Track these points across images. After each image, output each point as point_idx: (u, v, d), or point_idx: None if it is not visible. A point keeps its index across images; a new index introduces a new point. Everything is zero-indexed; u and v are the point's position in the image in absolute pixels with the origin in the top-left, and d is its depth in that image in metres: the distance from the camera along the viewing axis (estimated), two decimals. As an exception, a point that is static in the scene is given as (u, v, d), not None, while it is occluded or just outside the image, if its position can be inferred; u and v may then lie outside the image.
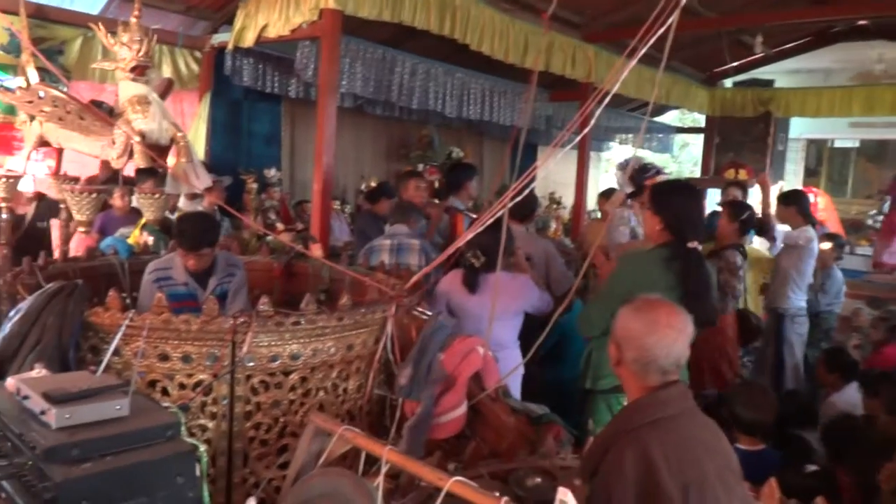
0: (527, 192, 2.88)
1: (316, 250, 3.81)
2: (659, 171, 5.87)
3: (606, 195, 5.97)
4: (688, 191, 3.08)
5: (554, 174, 9.01)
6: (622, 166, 6.33)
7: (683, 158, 14.10)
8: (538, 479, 2.35)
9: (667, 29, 2.50)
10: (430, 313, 2.75)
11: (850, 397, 4.22)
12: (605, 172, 14.99)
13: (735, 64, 8.70)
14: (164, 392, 2.29)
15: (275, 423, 2.42)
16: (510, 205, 2.70)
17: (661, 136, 10.32)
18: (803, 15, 7.04)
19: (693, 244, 2.89)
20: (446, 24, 5.27)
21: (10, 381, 1.62)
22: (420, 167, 7.24)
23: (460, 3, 5.33)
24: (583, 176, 7.31)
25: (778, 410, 3.72)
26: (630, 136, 10.01)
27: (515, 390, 3.23)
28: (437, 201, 6.23)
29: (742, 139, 9.06)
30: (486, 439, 2.66)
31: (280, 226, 5.64)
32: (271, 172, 6.27)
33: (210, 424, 2.32)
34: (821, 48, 9.00)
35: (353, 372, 2.66)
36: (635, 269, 2.91)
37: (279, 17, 5.05)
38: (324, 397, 2.55)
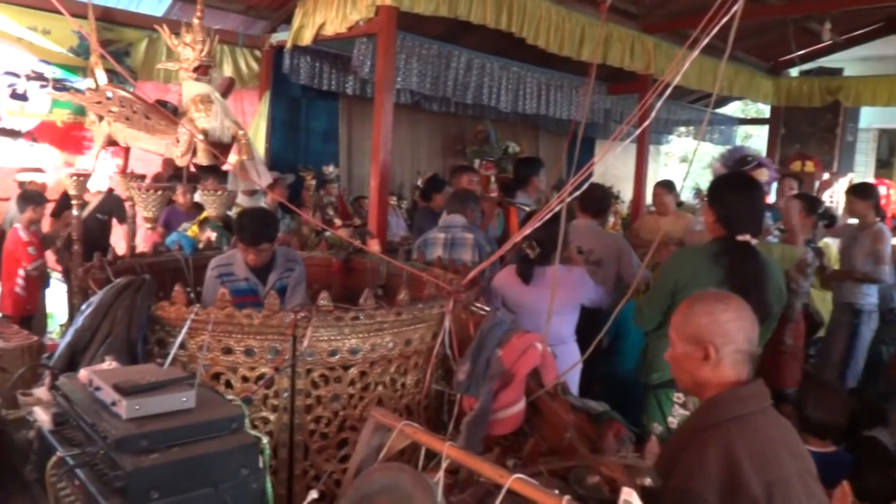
0: (586, 185, 2.84)
1: (373, 245, 3.83)
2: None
3: (667, 186, 5.82)
4: (744, 184, 2.99)
5: (612, 168, 8.89)
6: (723, 158, 6.16)
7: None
8: (598, 478, 2.31)
9: (731, 18, 2.43)
10: (487, 309, 2.73)
11: None
12: (665, 166, 14.70)
13: (801, 52, 8.39)
14: (228, 385, 2.33)
15: (334, 416, 2.44)
16: (568, 199, 2.66)
17: (722, 127, 10.05)
18: (873, 0, 6.74)
19: (744, 237, 2.81)
20: (502, 17, 5.24)
21: (83, 373, 1.67)
22: (476, 162, 7.23)
23: (517, -4, 5.29)
24: (642, 170, 7.16)
25: (850, 410, 3.59)
26: (691, 128, 9.79)
27: (574, 386, 3.19)
28: (492, 195, 6.22)
29: (809, 130, 8.74)
30: (545, 436, 2.63)
31: (338, 221, 5.71)
32: (329, 169, 6.35)
33: (271, 417, 2.36)
34: (892, 34, 8.60)
35: (412, 367, 2.66)
36: (682, 265, 2.88)
37: (336, 15, 5.10)
38: (382, 392, 2.56)
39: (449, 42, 6.20)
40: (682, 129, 9.99)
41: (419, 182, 6.96)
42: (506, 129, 8.02)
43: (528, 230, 2.76)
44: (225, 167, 4.09)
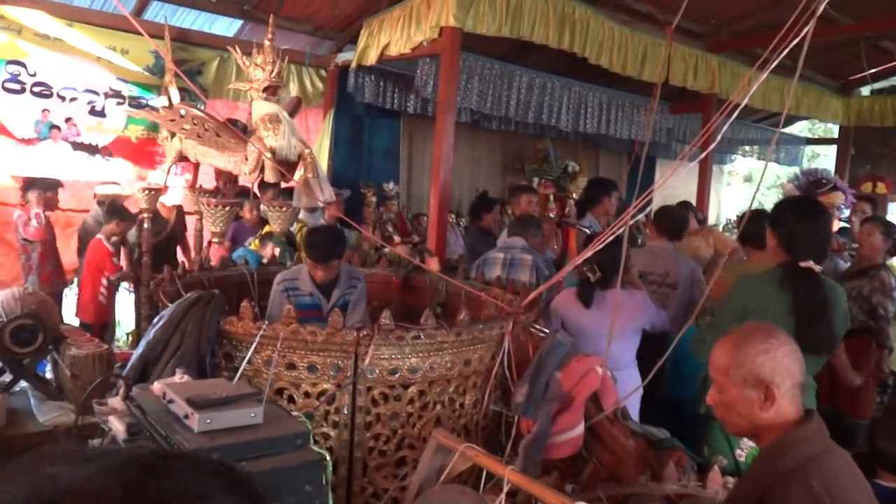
0: (649, 207, 2.80)
1: (433, 264, 3.87)
2: (836, 186, 5.57)
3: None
4: (808, 208, 2.90)
5: (674, 188, 8.73)
6: (797, 180, 6.02)
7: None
8: (659, 507, 2.28)
9: (802, 38, 2.39)
10: (546, 331, 2.72)
11: None
12: (728, 185, 14.38)
13: (873, 71, 8.12)
14: (291, 400, 2.38)
15: (393, 434, 2.47)
16: (631, 222, 2.64)
17: (789, 147, 9.78)
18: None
19: (807, 264, 2.72)
20: (565, 38, 5.25)
21: (157, 385, 1.74)
22: (535, 181, 7.22)
23: (579, 16, 5.29)
24: (704, 190, 7.04)
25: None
26: (756, 147, 9.57)
27: (634, 411, 3.14)
28: (551, 215, 6.20)
29: (881, 150, 8.44)
30: (604, 462, 2.60)
31: (397, 238, 5.77)
32: (389, 186, 6.44)
33: (332, 433, 2.40)
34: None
35: (470, 387, 2.67)
36: (749, 291, 2.78)
37: (401, 36, 5.19)
38: (441, 411, 2.57)
39: (511, 61, 6.23)
40: (747, 147, 9.76)
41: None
42: (565, 149, 7.99)
43: (589, 252, 2.74)
44: (290, 184, 4.20)
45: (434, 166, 4.94)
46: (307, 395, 2.38)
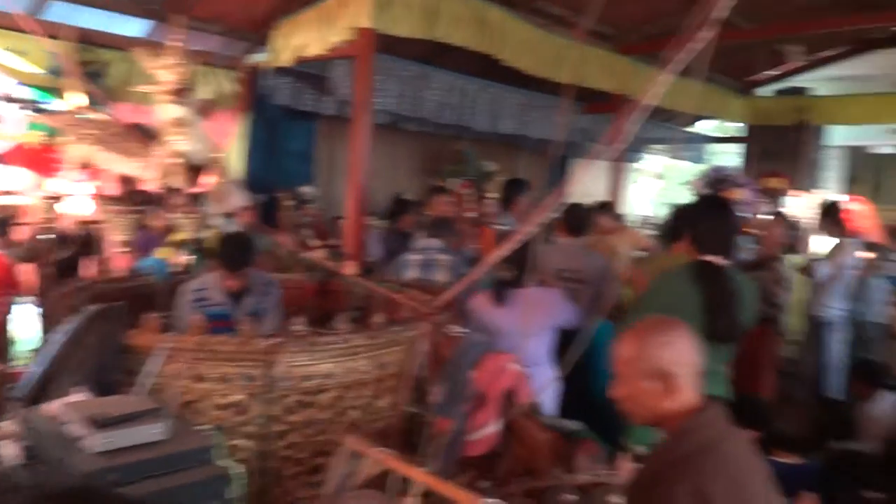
0: (559, 205, 2.87)
1: (349, 267, 3.85)
2: (737, 183, 5.84)
3: (601, 208, 6.02)
4: (714, 206, 3.06)
5: (584, 186, 8.96)
6: (704, 178, 6.27)
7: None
8: (572, 497, 2.34)
9: (702, 43, 2.51)
10: (462, 331, 2.75)
11: (882, 406, 4.17)
12: (640, 183, 14.85)
13: (772, 73, 8.58)
14: (201, 412, 2.32)
15: (309, 442, 2.45)
16: (541, 221, 2.71)
17: (696, 145, 10.19)
18: (840, 24, 6.91)
19: (714, 259, 2.87)
20: (481, 40, 5.29)
21: (53, 406, 1.67)
22: (453, 182, 7.26)
23: (495, 18, 5.35)
24: (617, 188, 7.26)
25: (818, 421, 3.66)
26: (666, 146, 9.92)
27: (551, 405, 3.21)
28: (469, 216, 6.27)
29: (779, 147, 8.88)
30: (520, 457, 2.65)
31: (316, 242, 5.71)
32: (307, 189, 6.36)
33: (245, 444, 2.35)
34: (859, 55, 8.82)
35: (387, 390, 2.68)
36: (665, 287, 2.91)
37: (315, 37, 5.13)
38: (357, 415, 2.57)
39: (428, 63, 6.25)
40: (657, 146, 10.10)
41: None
42: (484, 149, 8.07)
43: (502, 252, 2.79)
44: (200, 189, 4.10)
45: (350, 169, 4.91)
46: (218, 406, 2.33)
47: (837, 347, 5.37)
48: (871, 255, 5.93)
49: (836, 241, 5.37)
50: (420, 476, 1.63)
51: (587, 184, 9.06)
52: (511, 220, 4.87)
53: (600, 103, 7.56)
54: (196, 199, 4.51)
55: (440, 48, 5.53)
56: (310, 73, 6.19)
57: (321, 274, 3.80)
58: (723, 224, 2.98)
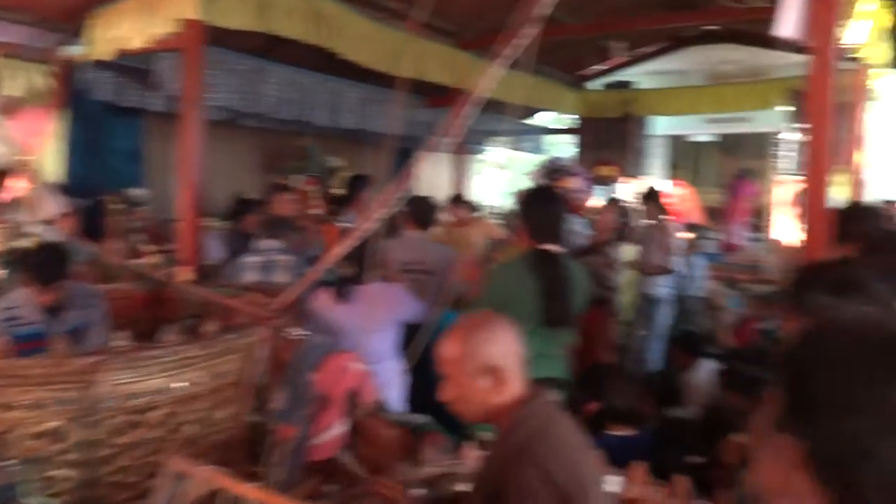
0: (399, 197, 2.88)
1: (183, 273, 3.66)
2: (571, 173, 6.09)
3: (455, 200, 6.19)
4: (548, 195, 3.19)
5: (430, 178, 9.10)
6: (541, 169, 6.47)
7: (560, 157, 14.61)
8: (418, 490, 2.36)
9: (527, 39, 2.60)
10: (302, 333, 2.69)
11: (701, 374, 4.55)
12: (484, 174, 15.29)
13: (600, 67, 9.10)
14: (11, 444, 2.11)
15: (141, 464, 2.29)
16: (382, 216, 2.71)
17: (534, 136, 10.63)
18: (658, 22, 7.48)
19: (550, 247, 3.00)
20: (318, 33, 5.18)
21: None
22: (297, 179, 7.10)
23: (331, 11, 5.26)
24: (461, 180, 7.41)
25: (651, 391, 3.94)
26: (505, 138, 10.27)
27: (398, 401, 3.23)
28: (315, 212, 6.17)
29: (609, 137, 9.46)
30: (368, 455, 2.64)
31: (149, 248, 5.37)
32: (137, 192, 5.96)
33: (66, 474, 2.16)
34: (677, 51, 9.57)
35: (225, 400, 2.56)
36: (508, 278, 2.99)
37: (137, 29, 4.80)
38: (194, 430, 2.44)
39: (263, 57, 6.05)
40: (500, 138, 10.43)
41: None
42: (328, 145, 7.95)
43: (342, 249, 2.75)
44: (7, 196, 3.72)
45: (182, 168, 4.65)
46: (32, 436, 2.12)
47: (665, 322, 5.82)
48: (691, 235, 6.48)
49: (655, 223, 5.80)
50: (250, 492, 1.57)
51: (433, 177, 9.22)
52: (355, 217, 4.84)
53: (442, 97, 7.68)
54: (6, 206, 4.10)
55: (276, 41, 5.37)
56: (134, 66, 5.78)
57: (152, 282, 3.57)
58: (553, 213, 3.12)
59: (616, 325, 5.09)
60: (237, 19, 4.58)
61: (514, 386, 1.73)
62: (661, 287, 5.73)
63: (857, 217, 2.78)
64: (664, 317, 5.81)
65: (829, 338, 0.86)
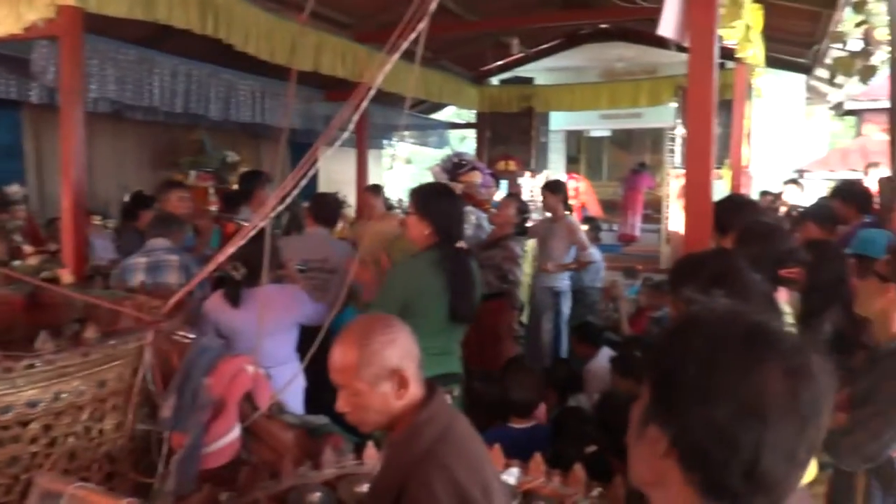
0: (289, 197, 2.79)
1: (65, 275, 3.45)
2: (474, 167, 6.11)
3: (374, 190, 6.14)
4: (449, 193, 3.19)
5: (335, 173, 8.97)
6: (442, 163, 6.46)
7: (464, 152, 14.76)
8: (318, 494, 2.32)
9: (419, 32, 2.59)
10: (192, 336, 2.59)
11: (601, 363, 4.72)
12: (391, 169, 15.27)
13: (499, 63, 9.23)
14: None
15: (15, 482, 2.13)
16: (273, 214, 2.63)
17: (438, 132, 10.68)
18: (553, 19, 7.67)
19: (460, 244, 3.00)
20: (208, 23, 4.98)
21: None
22: (192, 174, 6.85)
23: (222, 1, 5.08)
24: (363, 175, 7.35)
25: (555, 382, 4.03)
26: (408, 133, 10.26)
27: (297, 403, 3.16)
28: (211, 209, 5.95)
29: (510, 133, 9.62)
30: (266, 460, 2.57)
31: (29, 248, 5.04)
32: (14, 189, 5.58)
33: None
34: (572, 48, 9.84)
35: (110, 410, 2.42)
36: (413, 276, 2.95)
37: (9, 14, 4.45)
38: (75, 443, 2.29)
39: (150, 47, 5.78)
40: (405, 133, 10.42)
41: (126, 198, 6.42)
42: (224, 138, 7.71)
43: (231, 249, 2.65)
44: None
45: (64, 164, 4.38)
46: None
47: (567, 313, 5.98)
48: (587, 228, 6.68)
49: (558, 217, 5.92)
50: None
51: (337, 171, 9.09)
52: (250, 214, 4.71)
53: (342, 91, 7.58)
54: None
55: (165, 31, 5.13)
56: (10, 55, 5.40)
57: (30, 285, 3.34)
58: (454, 209, 3.11)
59: (518, 317, 5.18)
60: (118, 7, 4.33)
61: (414, 389, 1.69)
62: (563, 280, 5.88)
63: (733, 209, 2.93)
64: (567, 308, 5.97)
65: (693, 329, 0.89)
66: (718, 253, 2.16)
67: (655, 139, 12.51)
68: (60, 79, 4.53)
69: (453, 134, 12.24)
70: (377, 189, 6.13)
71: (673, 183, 8.35)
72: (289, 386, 2.66)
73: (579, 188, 10.97)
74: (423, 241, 3.04)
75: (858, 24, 5.17)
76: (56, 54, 4.77)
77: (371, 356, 1.63)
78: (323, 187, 8.63)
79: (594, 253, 6.57)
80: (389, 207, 6.50)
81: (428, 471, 1.56)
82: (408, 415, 1.67)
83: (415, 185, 3.41)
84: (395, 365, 1.64)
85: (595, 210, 11.09)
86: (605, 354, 4.81)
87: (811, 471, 2.00)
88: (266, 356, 2.86)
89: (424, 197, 3.09)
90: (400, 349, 1.67)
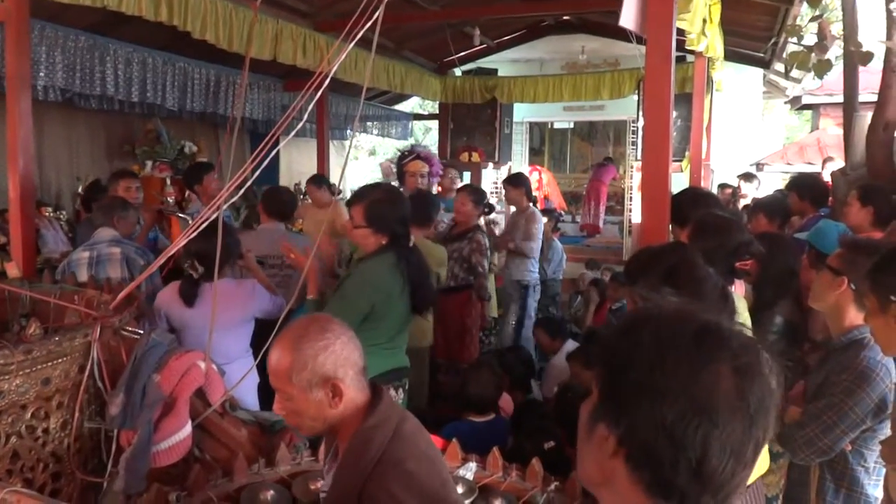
0: (243, 188, 2.72)
1: (11, 269, 3.33)
2: (418, 156, 6.04)
3: (316, 182, 6.12)
4: (390, 191, 3.13)
5: (296, 164, 8.86)
6: (391, 160, 6.41)
7: (428, 143, 14.73)
8: (271, 492, 2.28)
9: (375, 19, 2.55)
10: (140, 332, 2.51)
11: (563, 356, 4.74)
12: (356, 159, 15.14)
13: (462, 54, 9.19)
14: None
15: (-49, 484, 2.06)
16: (225, 207, 2.56)
17: (401, 122, 10.62)
18: (514, 10, 7.64)
19: (405, 240, 2.97)
20: (161, 9, 4.85)
21: None
22: (148, 164, 6.68)
23: (177, -13, 4.95)
24: (323, 164, 7.27)
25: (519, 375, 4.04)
26: (373, 123, 10.18)
27: (253, 400, 3.10)
28: (170, 199, 5.83)
29: (473, 124, 9.60)
30: (218, 458, 2.51)
31: (-26, 241, 4.86)
32: (-42, 179, 5.37)
33: None
34: (535, 40, 9.84)
35: (54, 408, 2.35)
36: (374, 282, 2.88)
37: (-48, -2, 4.30)
38: (18, 443, 2.22)
39: (101, 34, 5.62)
40: (368, 123, 10.33)
41: (80, 189, 6.24)
42: (182, 128, 7.52)
43: (182, 242, 2.58)
44: None
45: (10, 153, 4.23)
46: None
47: (534, 306, 6.00)
48: (547, 220, 6.69)
49: (522, 209, 5.92)
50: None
51: (300, 163, 8.98)
52: (198, 207, 4.62)
53: (300, 80, 7.47)
54: None
55: (116, 17, 4.99)
56: (-48, 40, 5.20)
57: (-30, 280, 3.22)
58: (402, 206, 3.02)
59: (485, 309, 5.16)
60: (65, -8, 4.21)
61: (354, 396, 1.63)
62: (531, 273, 5.88)
63: (691, 202, 2.95)
64: (533, 301, 5.98)
65: (642, 327, 0.87)
66: (674, 247, 2.16)
67: (618, 131, 12.59)
68: (6, 65, 4.38)
69: (417, 125, 12.18)
70: (319, 180, 6.12)
71: (635, 175, 8.43)
72: (242, 382, 2.60)
73: (542, 180, 11.01)
74: (371, 243, 2.97)
75: (813, 19, 5.24)
76: (1, 41, 4.61)
77: (303, 362, 1.57)
78: (284, 178, 8.52)
79: (554, 244, 6.60)
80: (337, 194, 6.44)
81: (384, 472, 1.53)
82: (352, 421, 1.62)
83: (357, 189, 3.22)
84: (327, 373, 1.58)
85: (558, 202, 11.14)
86: (569, 347, 4.84)
87: (763, 463, 2.03)
88: (219, 352, 2.80)
89: (367, 208, 2.93)
90: (335, 356, 1.59)
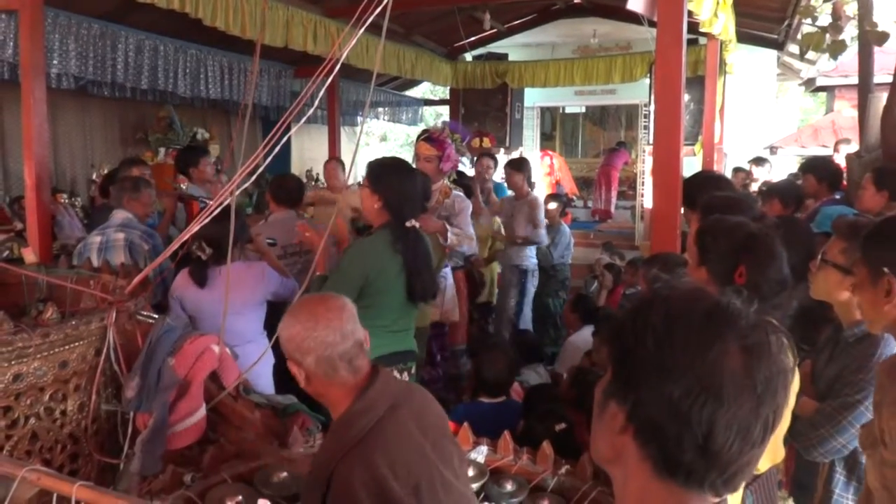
0: (255, 174, 2.74)
1: (28, 255, 3.38)
2: (430, 136, 6.01)
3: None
4: (404, 168, 3.11)
5: (308, 151, 8.88)
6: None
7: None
8: (284, 474, 2.31)
9: (385, 5, 2.55)
10: (155, 316, 2.55)
11: (585, 337, 4.75)
12: (367, 146, 15.14)
13: (472, 39, 9.14)
14: None
15: (-28, 464, 2.10)
16: (238, 192, 2.59)
17: (411, 108, 10.60)
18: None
19: (411, 223, 2.96)
20: (174, -4, 4.88)
21: None
22: (161, 151, 6.73)
23: (189, -25, 4.96)
24: (335, 150, 7.27)
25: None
26: (386, 109, 10.17)
27: (267, 383, 3.13)
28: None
29: (484, 109, 9.57)
30: (232, 440, 2.55)
31: (-8, 228, 4.93)
32: (-25, 167, 5.45)
33: None
34: (545, 24, 9.77)
35: (72, 391, 2.39)
36: (369, 255, 2.90)
37: (-34, -14, 4.34)
38: (37, 425, 2.27)
39: (114, 21, 5.64)
40: (380, 109, 10.32)
41: (94, 176, 6.29)
42: (194, 115, 7.56)
43: (195, 227, 2.60)
44: None
45: (26, 141, 4.28)
46: None
47: (533, 291, 6.01)
48: (556, 205, 6.68)
49: (522, 195, 5.90)
50: (77, 492, 1.45)
51: (311, 149, 9.00)
52: (195, 190, 4.67)
53: (311, 67, 7.47)
54: None
55: (128, 5, 5.01)
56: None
57: (-9, 265, 3.27)
58: (413, 185, 3.03)
59: (482, 294, 5.19)
60: (80, -20, 4.24)
61: (339, 374, 1.68)
62: (530, 258, 5.89)
63: (703, 185, 2.93)
64: (532, 286, 5.99)
65: (653, 306, 0.88)
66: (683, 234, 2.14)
67: (630, 116, 12.51)
68: (21, 54, 4.42)
69: (428, 111, 12.15)
70: (341, 162, 6.11)
71: (647, 160, 8.38)
72: (256, 364, 2.63)
73: (554, 165, 10.98)
74: (374, 214, 2.98)
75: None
76: (16, 28, 4.65)
77: (303, 339, 1.67)
78: (295, 164, 8.55)
79: (561, 229, 6.57)
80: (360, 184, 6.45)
81: (352, 465, 1.55)
82: (343, 401, 1.68)
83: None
84: (296, 357, 1.69)
85: (570, 187, 11.11)
86: (587, 331, 4.85)
87: (779, 452, 2.02)
88: (233, 334, 2.83)
89: (376, 171, 2.99)
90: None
